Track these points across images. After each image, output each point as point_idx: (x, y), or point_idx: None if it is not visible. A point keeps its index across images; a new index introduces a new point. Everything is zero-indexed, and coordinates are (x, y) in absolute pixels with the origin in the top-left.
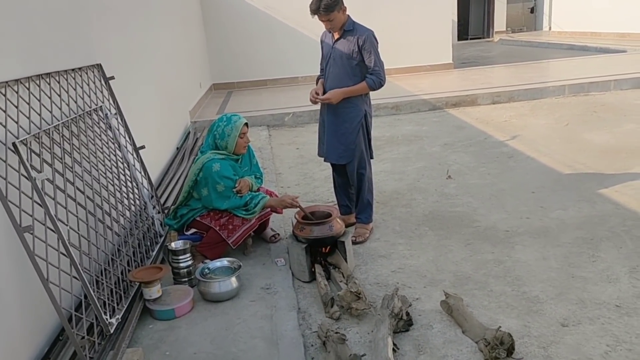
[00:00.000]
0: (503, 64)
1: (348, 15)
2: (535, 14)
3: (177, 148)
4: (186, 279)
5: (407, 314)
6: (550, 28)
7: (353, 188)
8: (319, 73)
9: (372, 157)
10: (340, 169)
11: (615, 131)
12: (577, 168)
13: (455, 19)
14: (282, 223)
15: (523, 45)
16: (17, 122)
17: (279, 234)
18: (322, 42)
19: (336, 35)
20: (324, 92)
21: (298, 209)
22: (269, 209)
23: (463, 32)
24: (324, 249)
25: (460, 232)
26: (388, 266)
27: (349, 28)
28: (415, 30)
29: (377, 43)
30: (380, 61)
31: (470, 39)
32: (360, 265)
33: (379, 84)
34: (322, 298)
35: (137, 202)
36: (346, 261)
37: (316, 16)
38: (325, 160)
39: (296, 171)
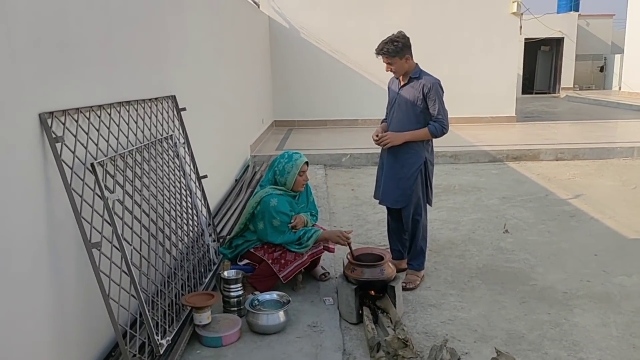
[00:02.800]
0: (569, 120)
1: (416, 64)
2: (604, 72)
3: (236, 180)
4: (236, 309)
5: None
6: (620, 88)
7: (407, 234)
8: (383, 117)
9: (430, 204)
10: (395, 214)
11: None
12: None
13: (521, 73)
14: (332, 262)
15: (590, 103)
16: (96, 145)
17: (328, 273)
18: (389, 87)
19: (402, 82)
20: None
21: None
22: (322, 247)
23: (528, 85)
24: (373, 292)
25: (515, 288)
26: (437, 316)
27: (415, 75)
28: (479, 81)
29: (443, 92)
30: (444, 110)
31: (536, 93)
32: (409, 312)
33: (441, 131)
34: (368, 342)
35: (195, 228)
36: (395, 307)
37: (380, 57)
38: (380, 203)
39: (350, 212)
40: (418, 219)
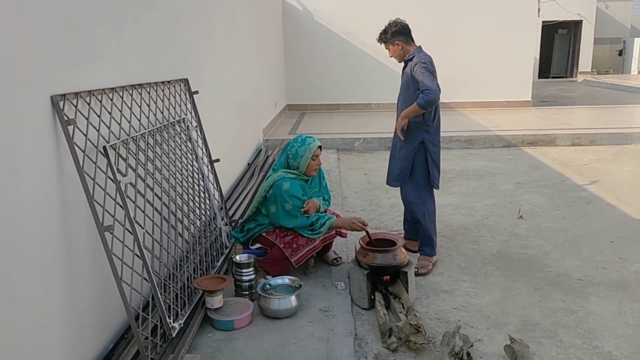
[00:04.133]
0: (586, 105)
1: (416, 47)
2: (623, 56)
3: (249, 164)
4: (247, 293)
5: (468, 354)
6: (639, 72)
7: (408, 216)
8: (395, 101)
9: (435, 187)
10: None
11: None
12: None
13: (538, 56)
14: (344, 247)
15: (608, 88)
16: (109, 128)
17: (340, 258)
18: None
19: (403, 66)
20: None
21: (364, 233)
22: (334, 232)
23: (545, 70)
24: (385, 277)
25: (529, 275)
26: (450, 302)
27: (409, 58)
28: (495, 65)
29: (432, 67)
30: (429, 80)
31: (552, 77)
32: (421, 298)
33: (424, 100)
34: (380, 327)
35: (208, 212)
36: (407, 292)
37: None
38: (387, 184)
39: (362, 196)
40: (419, 202)
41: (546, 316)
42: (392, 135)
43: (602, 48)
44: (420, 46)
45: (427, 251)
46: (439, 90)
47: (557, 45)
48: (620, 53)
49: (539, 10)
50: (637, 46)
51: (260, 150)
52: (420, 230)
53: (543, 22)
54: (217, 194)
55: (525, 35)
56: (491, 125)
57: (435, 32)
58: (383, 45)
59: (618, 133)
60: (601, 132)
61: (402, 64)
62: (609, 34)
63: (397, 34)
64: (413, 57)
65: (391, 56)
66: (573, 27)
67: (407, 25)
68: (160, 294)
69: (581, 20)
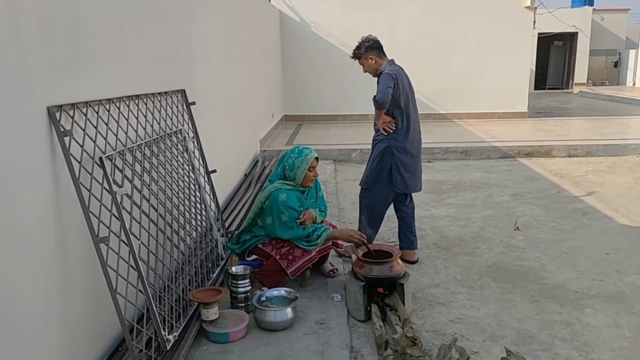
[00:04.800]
0: (582, 116)
1: (389, 60)
2: (619, 68)
3: (245, 174)
4: (243, 305)
5: None
6: (634, 84)
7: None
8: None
9: (403, 192)
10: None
11: None
12: None
13: (534, 68)
14: (341, 258)
15: (604, 99)
16: (105, 139)
17: (337, 269)
18: None
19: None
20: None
21: (361, 245)
22: (330, 243)
23: (541, 81)
24: (382, 289)
25: (525, 287)
26: (446, 314)
27: (379, 72)
28: (491, 76)
29: (393, 75)
30: (381, 84)
31: (548, 88)
32: (417, 310)
33: (373, 101)
34: (376, 339)
35: (204, 223)
36: (404, 304)
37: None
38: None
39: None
40: (368, 196)
41: (542, 329)
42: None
43: (598, 60)
44: (392, 59)
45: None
46: (388, 93)
47: (553, 57)
48: (616, 65)
49: (534, 22)
50: (633, 58)
51: (257, 161)
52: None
53: (539, 34)
54: (213, 205)
55: (521, 47)
56: (487, 137)
57: (433, 44)
58: (357, 61)
59: (614, 144)
60: (597, 143)
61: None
62: (605, 45)
63: (370, 49)
64: (382, 71)
65: (365, 71)
66: (569, 39)
67: (378, 41)
68: (155, 306)
69: (577, 32)
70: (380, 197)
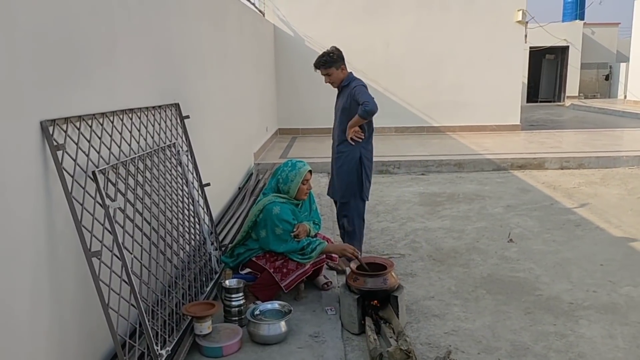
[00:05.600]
0: (574, 129)
1: (350, 73)
2: (610, 81)
3: (239, 188)
4: (237, 318)
5: None
6: (625, 97)
7: (349, 226)
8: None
9: (367, 200)
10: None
11: None
12: None
13: (526, 81)
14: (335, 271)
15: (596, 112)
16: (98, 153)
17: (331, 282)
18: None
19: (338, 91)
20: (334, 137)
21: (354, 258)
22: (324, 256)
23: (533, 94)
24: (376, 301)
25: (520, 299)
26: (441, 327)
27: (345, 83)
28: (484, 90)
29: (366, 87)
30: (366, 95)
31: (540, 101)
32: (412, 322)
33: (364, 111)
34: (370, 352)
35: (197, 237)
36: (398, 317)
37: (318, 71)
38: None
39: None
40: (361, 215)
41: (537, 340)
42: (388, 159)
43: (589, 73)
44: (351, 72)
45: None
46: (376, 104)
47: (545, 70)
48: (607, 78)
49: (526, 36)
50: (624, 71)
51: (251, 174)
52: (352, 238)
53: (530, 47)
54: (207, 219)
55: (513, 61)
56: (481, 149)
57: (426, 57)
58: (320, 70)
59: (606, 156)
60: (589, 155)
61: (337, 90)
62: (596, 59)
63: (340, 59)
64: (349, 82)
65: (329, 82)
66: (560, 53)
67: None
68: (148, 321)
69: (568, 46)
70: (361, 207)
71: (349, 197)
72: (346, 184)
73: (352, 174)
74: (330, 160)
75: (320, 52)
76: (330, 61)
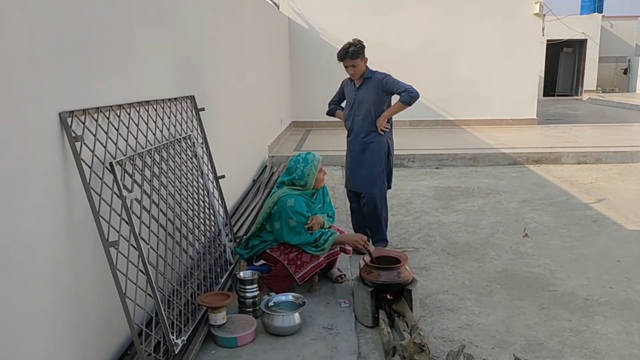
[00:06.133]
0: (591, 123)
1: (367, 66)
2: (628, 75)
3: (254, 180)
4: (251, 309)
5: None
6: None
7: (367, 217)
8: (330, 107)
9: (389, 188)
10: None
11: None
12: None
13: (543, 75)
14: (349, 264)
15: (614, 106)
16: (115, 144)
17: (345, 275)
18: (343, 87)
19: (358, 83)
20: (349, 131)
21: (366, 252)
22: (338, 249)
23: (550, 88)
24: (389, 295)
25: (535, 294)
26: (455, 321)
27: (368, 75)
28: (500, 83)
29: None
30: (404, 83)
31: (557, 95)
32: (425, 316)
33: (409, 97)
34: (383, 345)
35: (212, 228)
36: (411, 310)
37: (341, 62)
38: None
39: None
40: (384, 202)
41: (552, 336)
42: (402, 152)
43: (607, 66)
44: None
45: (382, 243)
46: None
47: (562, 64)
48: (626, 71)
49: (543, 29)
50: None
51: (266, 166)
52: (377, 228)
53: (548, 40)
54: (221, 210)
55: (530, 54)
56: (496, 143)
57: (441, 50)
58: (345, 61)
59: (624, 151)
60: (607, 150)
61: (350, 81)
62: (614, 52)
63: (364, 50)
64: (372, 74)
65: (352, 73)
66: (578, 46)
67: None
68: (164, 310)
69: (586, 39)
70: (385, 195)
71: (378, 186)
72: (376, 174)
73: (382, 164)
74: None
75: (335, 45)
76: (357, 52)
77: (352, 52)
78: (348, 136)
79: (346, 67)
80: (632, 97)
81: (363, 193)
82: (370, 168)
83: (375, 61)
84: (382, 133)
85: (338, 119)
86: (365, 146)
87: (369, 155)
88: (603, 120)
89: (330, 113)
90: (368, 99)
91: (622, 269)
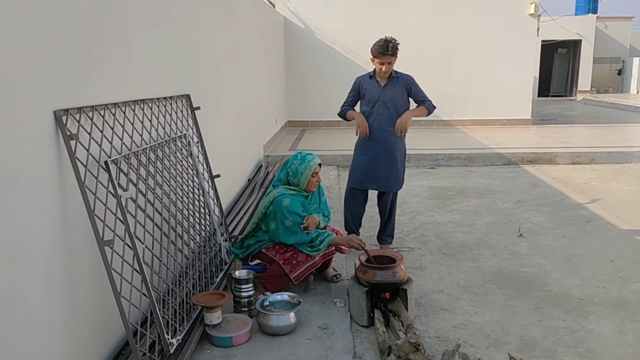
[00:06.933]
0: (585, 124)
1: None
2: (622, 76)
3: (249, 179)
4: (246, 309)
5: None
6: (638, 91)
7: (384, 215)
8: (343, 108)
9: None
10: (364, 197)
11: None
12: None
13: (537, 75)
14: (344, 264)
15: (608, 107)
16: (110, 143)
17: (340, 275)
18: (361, 85)
19: (383, 82)
20: (370, 129)
21: (362, 251)
22: (334, 248)
23: (544, 88)
24: (385, 294)
25: (529, 294)
26: (450, 320)
27: (395, 75)
28: (495, 83)
29: None
30: (424, 92)
31: (552, 96)
32: (420, 316)
33: (432, 108)
34: (379, 345)
35: (207, 228)
36: (407, 310)
37: (376, 59)
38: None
39: None
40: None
41: (546, 335)
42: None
43: (602, 67)
44: None
45: (390, 241)
46: None
47: (557, 64)
48: (620, 72)
49: (538, 29)
50: (636, 65)
51: (261, 166)
52: (392, 224)
53: (542, 41)
54: (217, 210)
55: (525, 54)
56: (491, 143)
57: (437, 50)
58: (385, 57)
59: (618, 152)
60: (601, 150)
61: (372, 79)
62: (608, 53)
63: None
64: (398, 74)
65: (387, 70)
66: (572, 47)
67: None
68: (159, 310)
69: (580, 40)
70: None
71: (400, 186)
72: (404, 172)
73: (404, 164)
74: (352, 152)
75: (331, 45)
76: (397, 48)
77: (393, 48)
78: (362, 135)
79: (382, 63)
80: (626, 98)
81: (387, 191)
82: (402, 166)
83: (364, 57)
84: (403, 133)
85: (339, 119)
86: (394, 145)
87: (399, 154)
88: (597, 120)
89: (342, 114)
90: (397, 99)
91: (616, 269)
